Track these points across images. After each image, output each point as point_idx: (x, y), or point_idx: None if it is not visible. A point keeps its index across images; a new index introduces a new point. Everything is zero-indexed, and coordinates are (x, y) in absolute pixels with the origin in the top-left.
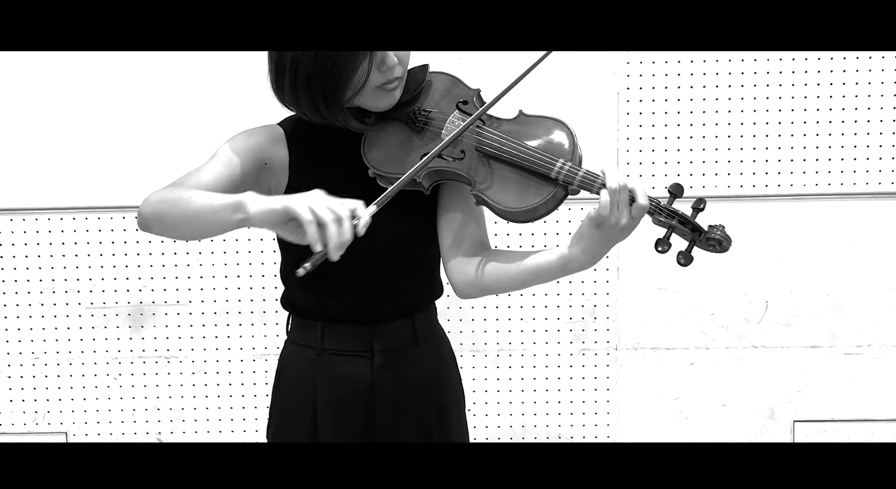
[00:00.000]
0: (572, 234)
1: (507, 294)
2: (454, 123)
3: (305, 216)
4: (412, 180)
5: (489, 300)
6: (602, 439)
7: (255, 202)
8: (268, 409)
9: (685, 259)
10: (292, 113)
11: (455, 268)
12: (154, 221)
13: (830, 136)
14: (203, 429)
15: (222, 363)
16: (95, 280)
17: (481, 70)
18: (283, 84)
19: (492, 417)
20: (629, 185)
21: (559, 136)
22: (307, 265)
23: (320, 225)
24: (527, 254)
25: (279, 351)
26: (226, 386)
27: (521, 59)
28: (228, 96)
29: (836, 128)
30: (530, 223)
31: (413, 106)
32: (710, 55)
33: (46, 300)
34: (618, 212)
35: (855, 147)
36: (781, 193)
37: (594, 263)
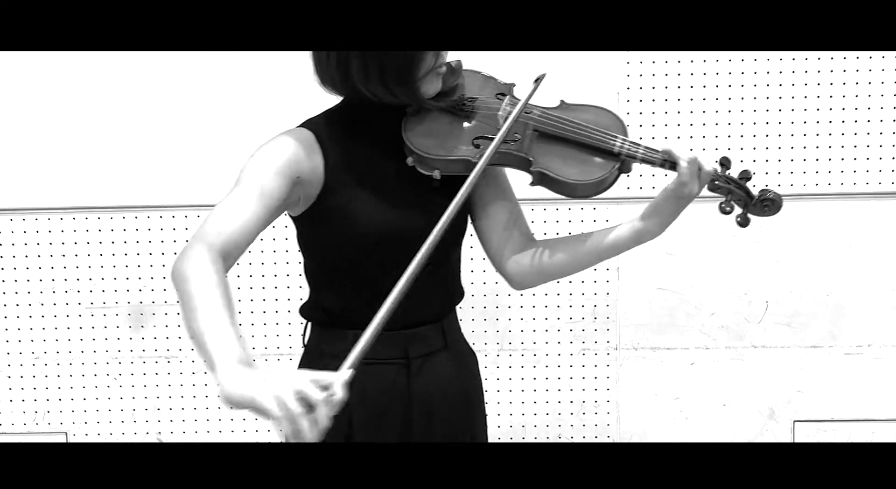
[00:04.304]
0: (645, 208)
1: (507, 294)
2: (506, 108)
3: (275, 412)
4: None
5: (489, 300)
6: (602, 439)
7: (229, 382)
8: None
9: (743, 220)
10: (313, 115)
11: (509, 260)
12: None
13: (830, 135)
14: (203, 429)
15: None
16: (95, 280)
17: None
18: (347, 68)
19: (492, 417)
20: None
21: (609, 118)
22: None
23: (290, 419)
24: (591, 235)
25: (279, 351)
26: None
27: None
28: (229, 96)
29: (836, 128)
30: (590, 198)
31: (456, 95)
32: (710, 55)
33: (46, 300)
34: (694, 182)
35: (855, 147)
36: (782, 193)
37: (662, 233)
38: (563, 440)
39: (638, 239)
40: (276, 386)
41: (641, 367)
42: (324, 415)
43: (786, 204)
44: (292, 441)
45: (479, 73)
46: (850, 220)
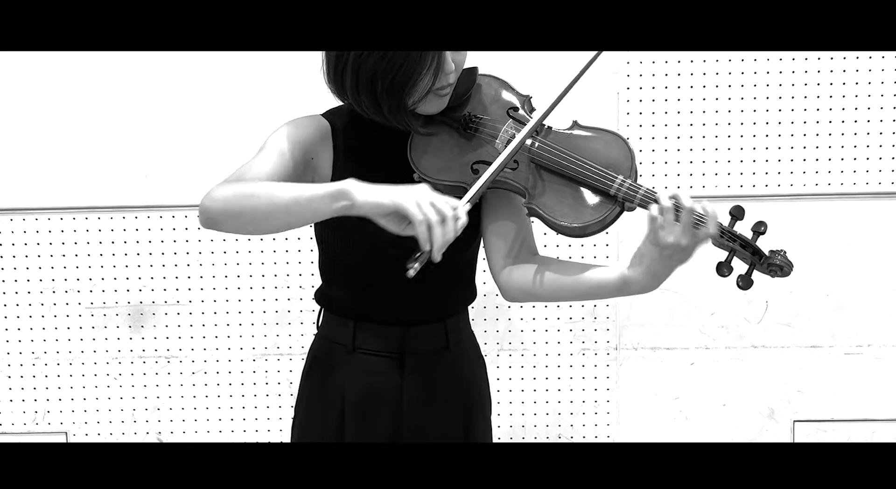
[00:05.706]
0: (633, 254)
1: None
2: (508, 132)
3: (417, 216)
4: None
5: (489, 300)
6: (602, 439)
7: (361, 192)
8: (294, 401)
9: (745, 283)
10: (332, 106)
11: (506, 275)
12: (229, 217)
13: (830, 136)
14: (203, 429)
15: (222, 363)
16: (95, 280)
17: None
18: (342, 81)
19: (492, 417)
20: (700, 210)
21: (617, 151)
22: (416, 265)
23: (428, 225)
24: (585, 268)
25: (279, 351)
26: (226, 386)
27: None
28: (229, 97)
29: (836, 128)
30: (582, 238)
31: (463, 111)
32: (710, 55)
33: (46, 300)
34: (679, 233)
35: (855, 147)
36: (781, 193)
37: (656, 286)
38: (563, 440)
39: (625, 288)
40: (414, 193)
41: (641, 367)
42: (451, 228)
43: (786, 204)
44: (425, 249)
45: (496, 80)
46: (850, 220)
